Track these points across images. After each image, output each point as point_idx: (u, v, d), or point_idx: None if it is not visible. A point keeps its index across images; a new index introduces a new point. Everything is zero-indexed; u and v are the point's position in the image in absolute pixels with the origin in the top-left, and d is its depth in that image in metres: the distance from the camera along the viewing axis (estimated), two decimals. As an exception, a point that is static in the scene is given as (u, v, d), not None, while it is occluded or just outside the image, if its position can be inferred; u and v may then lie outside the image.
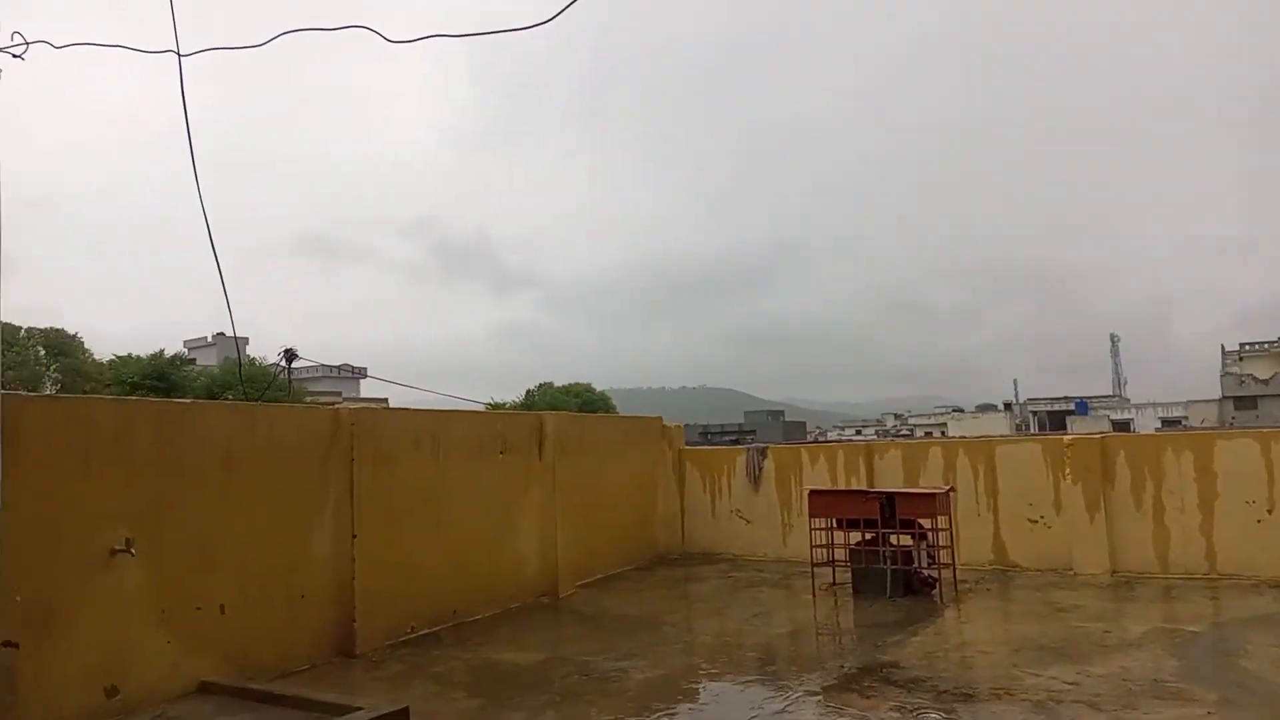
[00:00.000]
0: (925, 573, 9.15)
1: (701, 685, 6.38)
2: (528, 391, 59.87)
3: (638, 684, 6.35)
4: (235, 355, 46.04)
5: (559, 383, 61.47)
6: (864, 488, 10.53)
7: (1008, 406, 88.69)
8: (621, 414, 26.42)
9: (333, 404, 13.21)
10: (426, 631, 7.98)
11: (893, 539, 9.14)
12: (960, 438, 12.40)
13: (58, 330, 44.10)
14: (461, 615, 8.41)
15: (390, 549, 7.75)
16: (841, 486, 10.99)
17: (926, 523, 9.11)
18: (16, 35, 2.81)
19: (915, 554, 9.17)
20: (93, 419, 5.85)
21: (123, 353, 42.00)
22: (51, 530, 5.48)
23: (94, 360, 42.83)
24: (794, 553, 11.05)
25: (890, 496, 9.18)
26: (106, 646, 5.68)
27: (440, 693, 6.25)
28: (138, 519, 5.90)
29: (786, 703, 5.79)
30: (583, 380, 63.46)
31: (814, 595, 9.18)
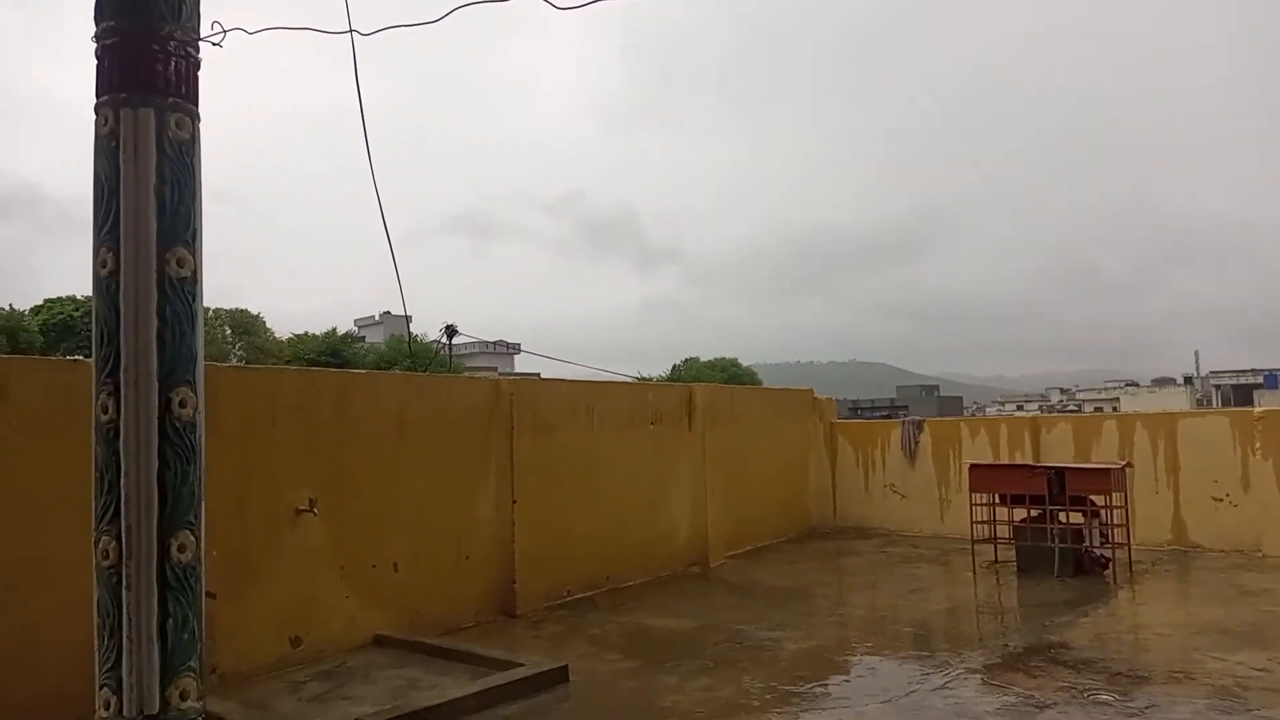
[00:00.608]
0: (1097, 552, 8.69)
1: (857, 658, 6.29)
2: (674, 366, 60.33)
3: (791, 654, 6.33)
4: (400, 333, 48.45)
5: (704, 358, 61.63)
6: (1029, 462, 10.08)
7: (1188, 380, 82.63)
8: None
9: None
10: (582, 595, 8.21)
11: (1062, 516, 8.71)
12: (1136, 413, 11.72)
13: (242, 310, 47.64)
14: (615, 581, 8.61)
15: (547, 514, 8.00)
16: (1004, 461, 10.56)
17: (1099, 499, 8.63)
18: (216, 24, 3.02)
19: (1086, 532, 8.71)
20: (279, 388, 6.31)
21: (300, 331, 44.98)
22: (243, 491, 5.94)
23: (275, 338, 46.04)
24: (952, 529, 10.72)
25: (1060, 471, 8.74)
26: (292, 600, 6.14)
27: (596, 653, 6.42)
28: (320, 481, 6.32)
29: (946, 679, 5.64)
30: (728, 355, 63.40)
31: (974, 573, 8.88)
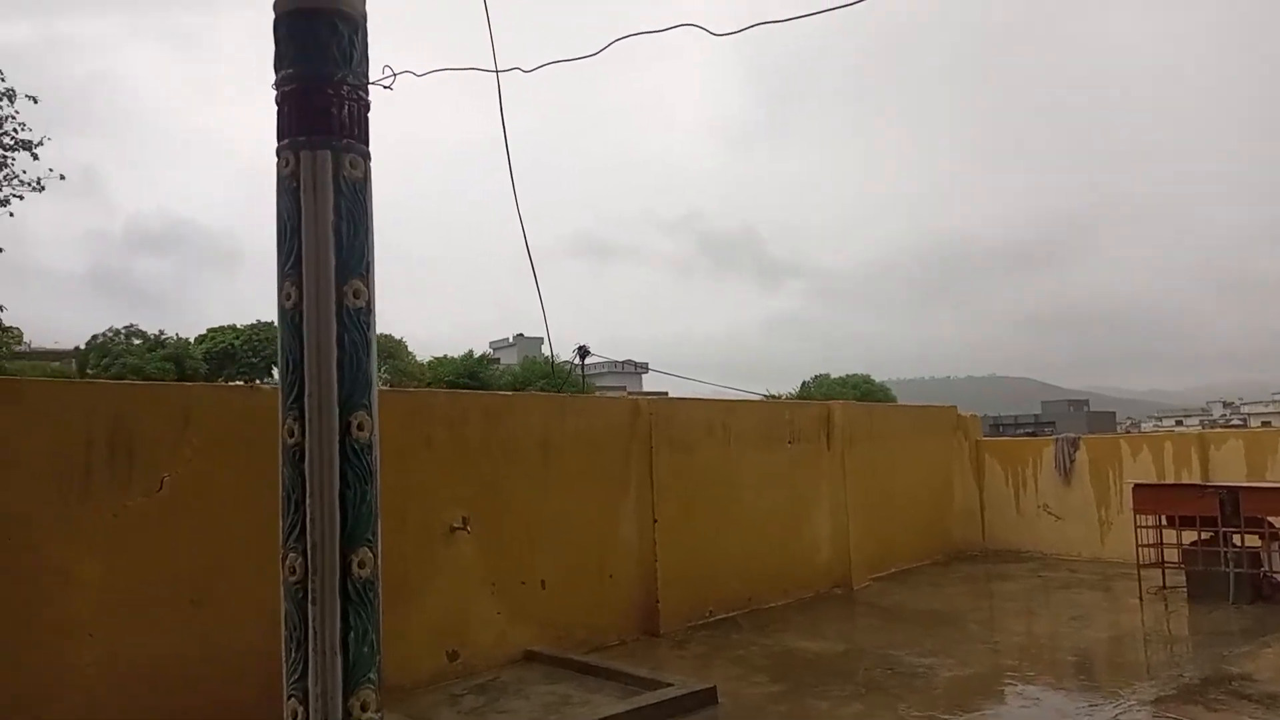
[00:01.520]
0: (1277, 578, 8.05)
1: (1017, 688, 6.01)
2: (803, 384, 59.49)
3: (946, 681, 6.11)
4: (532, 355, 49.68)
5: (835, 374, 60.54)
6: (1198, 481, 9.45)
7: (1371, 391, 75.74)
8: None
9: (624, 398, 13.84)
10: (724, 616, 8.17)
11: (1236, 539, 8.12)
12: (1317, 426, 10.85)
13: (386, 335, 49.82)
14: (756, 602, 8.52)
15: (687, 533, 8.01)
16: (1170, 480, 9.93)
17: (1278, 521, 8.01)
18: (386, 69, 3.18)
19: (1264, 556, 8.09)
20: (433, 410, 6.56)
21: (438, 354, 46.72)
22: (401, 509, 6.18)
23: (416, 362, 47.92)
24: (1113, 553, 10.16)
25: (1233, 491, 8.16)
26: (448, 615, 6.34)
27: (742, 675, 6.36)
28: (471, 500, 6.53)
29: (1117, 710, 5.33)
30: (860, 371, 62.07)
31: (1140, 599, 8.36)
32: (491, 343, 68.62)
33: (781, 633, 7.62)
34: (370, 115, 3.40)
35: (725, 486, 8.54)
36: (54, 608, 4.73)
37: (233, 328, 48.35)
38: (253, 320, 48.48)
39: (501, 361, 57.41)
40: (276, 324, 3.25)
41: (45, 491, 4.79)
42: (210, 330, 48.94)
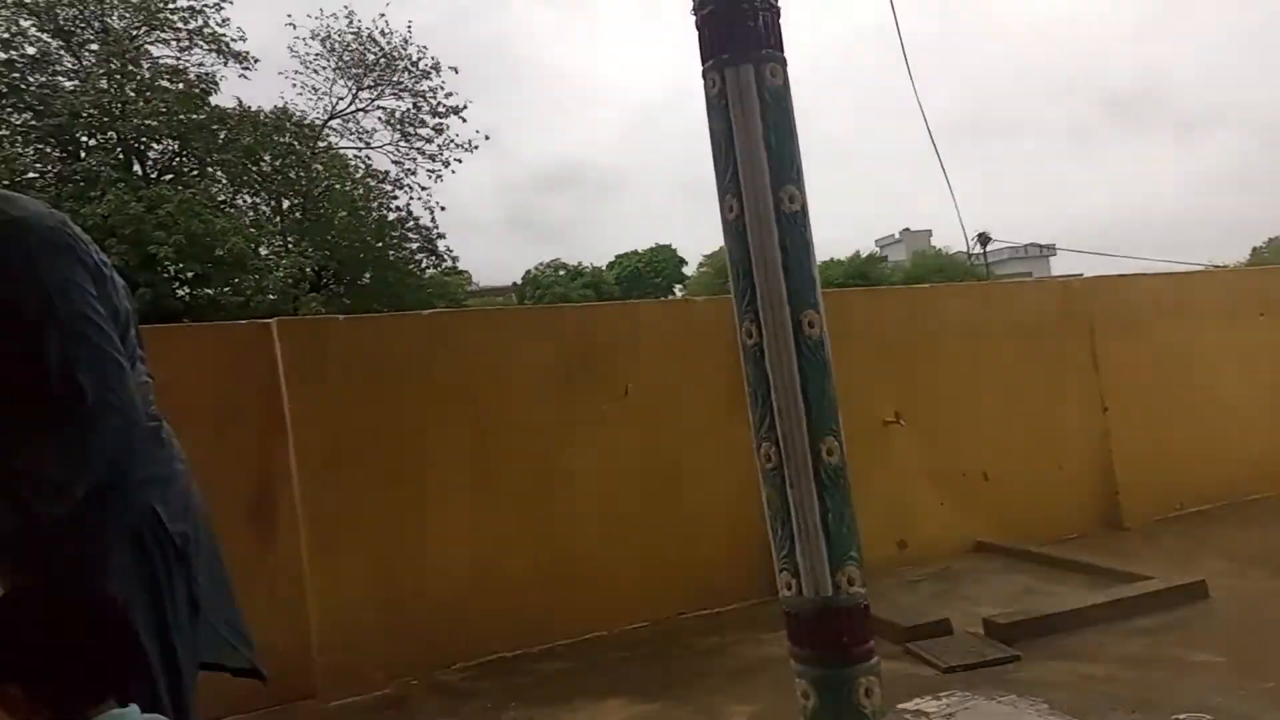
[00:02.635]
0: None
1: None
2: (1253, 249, 50.74)
3: None
4: (921, 249, 47.70)
5: (1299, 231, 50.78)
6: None
7: None
8: None
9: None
10: (1196, 509, 7.40)
11: None
12: None
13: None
14: (1236, 494, 7.57)
15: (1144, 421, 7.33)
16: None
17: None
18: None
19: None
20: (851, 309, 6.62)
21: (824, 258, 46.70)
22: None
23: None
24: None
25: None
26: (892, 506, 6.42)
27: (1231, 569, 5.71)
28: (900, 394, 6.54)
29: None
30: (1339, 222, 51.41)
31: None
32: (877, 240, 66.80)
33: (1273, 526, 6.71)
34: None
35: (1183, 369, 7.64)
36: (564, 500, 5.63)
37: (635, 252, 52.56)
38: (650, 244, 52.33)
39: (889, 259, 55.78)
40: (722, 237, 3.47)
41: (548, 403, 5.67)
42: (618, 256, 53.68)
